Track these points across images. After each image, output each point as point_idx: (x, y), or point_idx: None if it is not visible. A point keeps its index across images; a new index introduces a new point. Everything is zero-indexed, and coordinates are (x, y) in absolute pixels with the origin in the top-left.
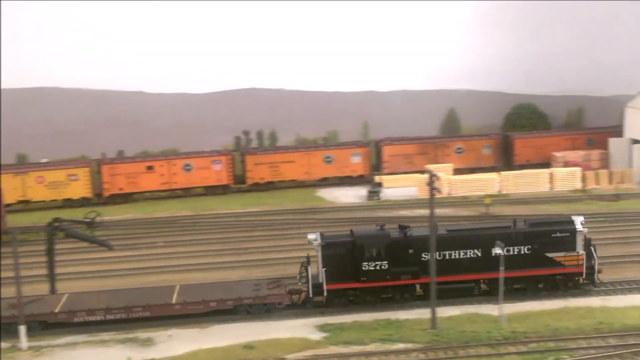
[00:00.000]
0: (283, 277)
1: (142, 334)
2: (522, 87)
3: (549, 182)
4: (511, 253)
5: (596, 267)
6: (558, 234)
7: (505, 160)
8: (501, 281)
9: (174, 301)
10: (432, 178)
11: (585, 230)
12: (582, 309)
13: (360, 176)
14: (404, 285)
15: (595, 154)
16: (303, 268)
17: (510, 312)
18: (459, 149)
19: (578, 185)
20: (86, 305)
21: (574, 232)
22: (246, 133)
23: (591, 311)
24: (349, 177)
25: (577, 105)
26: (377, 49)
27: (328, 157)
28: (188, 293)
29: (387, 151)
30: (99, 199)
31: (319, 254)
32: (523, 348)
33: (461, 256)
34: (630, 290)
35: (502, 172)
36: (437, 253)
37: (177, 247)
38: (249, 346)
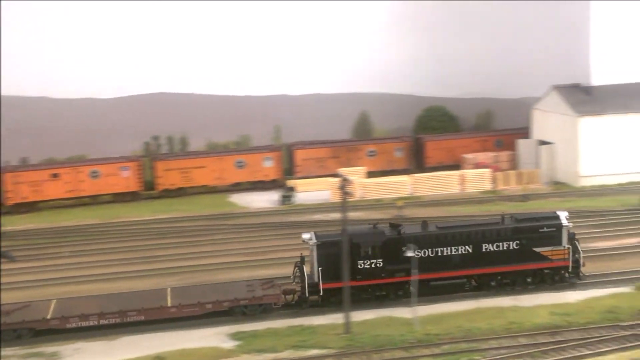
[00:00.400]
0: (275, 277)
1: (48, 348)
2: (433, 90)
3: (459, 183)
4: (501, 248)
5: (581, 261)
6: (545, 229)
7: (417, 162)
8: (415, 284)
9: (169, 304)
10: (344, 182)
11: (570, 225)
12: (493, 309)
13: (273, 180)
14: (398, 283)
15: (504, 155)
16: (297, 268)
17: (423, 315)
18: (371, 152)
19: (488, 186)
20: (78, 311)
21: (560, 227)
22: (156, 138)
23: (502, 311)
24: (262, 181)
25: (486, 107)
26: (288, 52)
27: (240, 162)
28: (181, 296)
29: (300, 155)
30: (2, 208)
31: (314, 254)
32: (436, 350)
33: (452, 253)
34: (538, 290)
35: (414, 175)
36: (430, 250)
37: (83, 257)
38: (159, 357)
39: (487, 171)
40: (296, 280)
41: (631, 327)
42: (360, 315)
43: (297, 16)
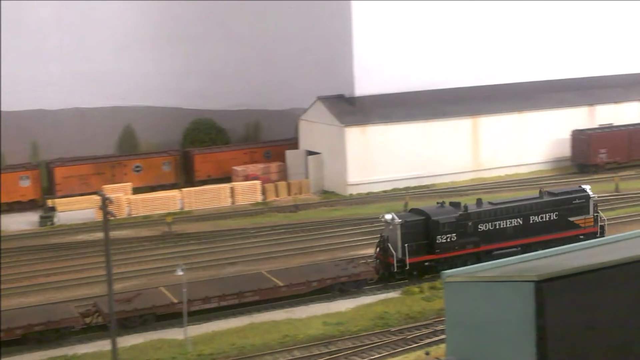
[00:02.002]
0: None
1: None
2: (200, 102)
3: (230, 196)
4: (544, 219)
5: (605, 227)
6: (577, 201)
7: (187, 176)
8: (185, 310)
9: (280, 284)
10: (105, 201)
11: (596, 196)
12: (267, 323)
13: (31, 200)
14: (467, 254)
15: (273, 166)
16: (379, 247)
17: (195, 335)
18: (137, 167)
19: (259, 198)
20: (198, 294)
21: (588, 198)
22: None
23: (276, 325)
24: (19, 202)
25: (255, 119)
26: (41, 64)
27: None
28: (282, 277)
29: (60, 173)
30: None
31: (398, 232)
32: None
33: (507, 225)
34: (312, 301)
35: (184, 189)
36: (489, 224)
37: None
38: None
39: (257, 183)
40: (379, 259)
41: (400, 332)
42: (128, 340)
43: (61, 25)
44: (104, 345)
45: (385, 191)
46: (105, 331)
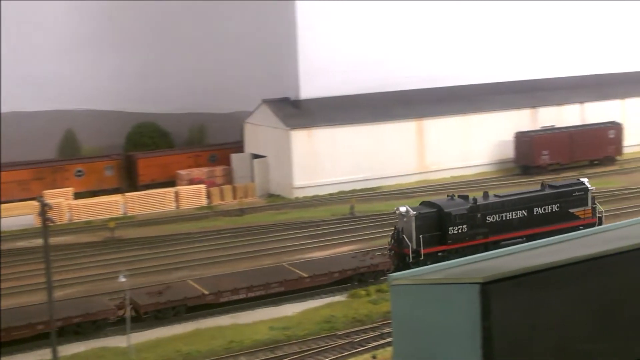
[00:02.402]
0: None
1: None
2: (143, 105)
3: (175, 200)
4: (547, 211)
5: (603, 218)
6: (576, 193)
7: (130, 181)
8: (128, 319)
9: (305, 275)
10: (45, 207)
11: (594, 188)
12: (212, 329)
13: None
14: (476, 245)
15: (219, 170)
16: (393, 239)
17: (139, 342)
18: (79, 171)
19: (204, 202)
20: (227, 287)
21: (586, 190)
22: None
23: (222, 331)
24: None
25: (199, 122)
26: None
27: None
28: (303, 269)
29: None
30: None
31: (412, 224)
32: None
33: (513, 217)
34: (258, 305)
35: (127, 194)
36: (497, 215)
37: None
38: None
39: (202, 187)
40: (393, 251)
41: (347, 335)
42: (70, 349)
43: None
44: (44, 354)
45: (331, 194)
46: (138, 322)
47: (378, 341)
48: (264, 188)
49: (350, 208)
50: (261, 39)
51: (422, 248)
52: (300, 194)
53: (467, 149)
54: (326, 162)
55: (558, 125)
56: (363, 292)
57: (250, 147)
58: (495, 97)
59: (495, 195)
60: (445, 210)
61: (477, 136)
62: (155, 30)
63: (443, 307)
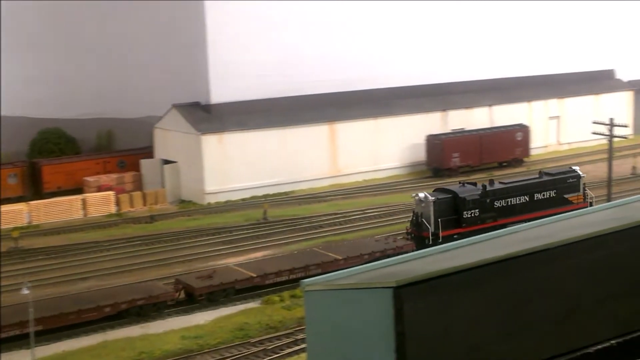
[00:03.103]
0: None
1: None
2: (48, 111)
3: (82, 208)
4: (545, 196)
5: (594, 203)
6: (570, 180)
7: (35, 188)
8: (32, 332)
9: (339, 258)
10: None
11: (585, 175)
12: (121, 340)
13: None
14: (487, 228)
15: (128, 176)
16: (412, 223)
17: (44, 356)
18: None
19: (113, 209)
20: (271, 269)
21: (578, 177)
22: None
23: (131, 342)
24: None
25: (107, 127)
26: None
27: None
28: (334, 251)
29: None
30: None
31: (431, 209)
32: None
33: (517, 202)
34: (169, 314)
35: (31, 202)
36: (503, 200)
37: None
38: None
39: (110, 194)
40: (412, 235)
41: (260, 342)
42: None
43: None
44: None
45: (244, 199)
46: (191, 304)
47: (292, 347)
48: (175, 194)
49: (264, 213)
50: (171, 43)
51: (440, 231)
52: (212, 199)
53: (379, 152)
54: (238, 167)
55: (468, 128)
56: (277, 298)
57: (160, 152)
58: (407, 100)
59: (500, 182)
60: (460, 195)
61: (388, 139)
62: (60, 33)
63: (356, 312)
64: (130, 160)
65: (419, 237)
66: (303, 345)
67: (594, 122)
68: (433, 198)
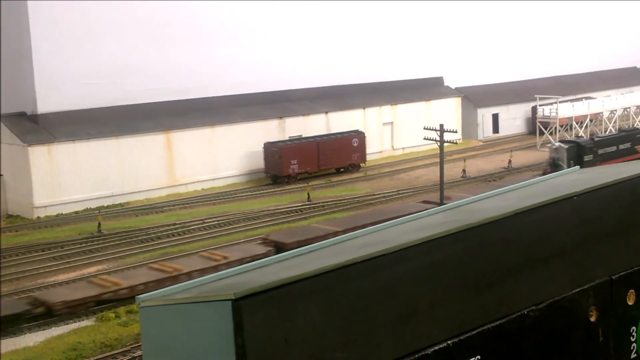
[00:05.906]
0: None
1: None
2: None
3: None
4: (626, 147)
5: None
6: (638, 135)
7: None
8: None
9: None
10: None
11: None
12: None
13: None
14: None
15: None
16: (551, 165)
17: None
18: None
19: None
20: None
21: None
22: None
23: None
24: None
25: None
26: None
27: None
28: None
29: None
30: None
31: (565, 154)
32: None
33: (611, 150)
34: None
35: None
36: (603, 149)
37: None
38: None
39: None
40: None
41: None
42: None
43: None
44: None
45: (77, 212)
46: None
47: None
48: (1, 209)
49: (98, 226)
50: None
51: None
52: (42, 213)
53: (216, 161)
54: (69, 178)
55: (305, 135)
56: (112, 315)
57: None
58: (244, 108)
59: (597, 137)
60: (582, 144)
61: (226, 148)
62: None
63: (195, 327)
64: None
65: None
66: None
67: (425, 128)
68: (566, 146)
